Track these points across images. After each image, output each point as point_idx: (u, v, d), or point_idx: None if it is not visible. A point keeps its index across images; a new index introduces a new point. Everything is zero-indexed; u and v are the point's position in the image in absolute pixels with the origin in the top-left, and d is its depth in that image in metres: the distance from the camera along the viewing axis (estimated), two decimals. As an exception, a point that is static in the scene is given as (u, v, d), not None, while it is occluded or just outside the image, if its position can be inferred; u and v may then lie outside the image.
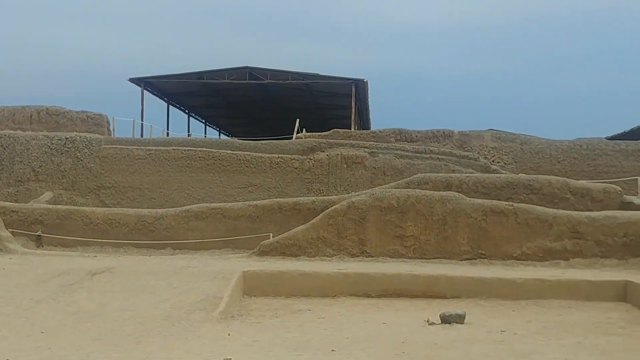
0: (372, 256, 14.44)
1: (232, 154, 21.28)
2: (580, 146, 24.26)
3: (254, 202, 17.04)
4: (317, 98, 44.24)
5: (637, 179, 22.07)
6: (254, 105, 48.44)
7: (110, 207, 19.56)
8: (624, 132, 30.81)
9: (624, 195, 16.67)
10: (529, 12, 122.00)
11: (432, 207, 14.55)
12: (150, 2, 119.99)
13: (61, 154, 21.31)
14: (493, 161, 23.54)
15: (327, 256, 14.38)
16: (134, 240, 16.48)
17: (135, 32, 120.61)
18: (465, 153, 22.71)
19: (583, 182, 17.25)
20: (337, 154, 21.57)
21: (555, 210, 14.47)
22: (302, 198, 17.21)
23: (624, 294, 11.19)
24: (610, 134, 31.50)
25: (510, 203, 14.71)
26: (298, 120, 29.73)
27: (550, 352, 7.10)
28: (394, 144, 23.04)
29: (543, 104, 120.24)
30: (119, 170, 21.11)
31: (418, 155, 21.86)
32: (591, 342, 7.77)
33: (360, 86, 38.25)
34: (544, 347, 7.42)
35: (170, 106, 44.92)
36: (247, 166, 21.13)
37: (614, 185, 16.82)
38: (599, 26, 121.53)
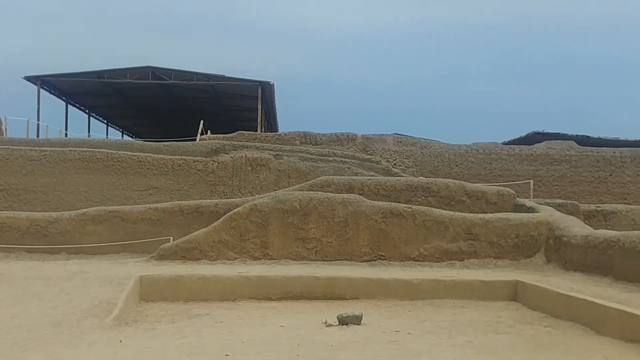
0: (275, 259, 14.44)
1: (133, 155, 20.77)
2: (477, 150, 25.12)
3: (155, 205, 16.69)
4: (223, 100, 43.89)
5: (529, 182, 23.09)
6: (158, 106, 47.52)
7: (1, 210, 18.66)
8: (519, 137, 32.12)
9: (517, 198, 17.38)
10: (435, 25, 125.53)
11: (334, 210, 14.71)
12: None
13: (-52, 154, 20.19)
14: (395, 164, 24.02)
15: (229, 259, 14.26)
16: (26, 245, 15.78)
17: (32, 29, 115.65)
18: (368, 156, 23.09)
19: (478, 185, 17.86)
20: (242, 156, 21.45)
21: (451, 213, 14.92)
22: (204, 201, 16.99)
23: (514, 293, 11.63)
24: (507, 139, 32.79)
25: (409, 205, 15.07)
26: (202, 121, 29.36)
27: (441, 352, 7.29)
28: (298, 147, 23.12)
29: (445, 113, 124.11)
30: (11, 172, 20.20)
31: (322, 158, 22.05)
32: (481, 341, 8.02)
33: (266, 88, 38.22)
34: (435, 346, 7.61)
35: (70, 106, 43.41)
36: (148, 168, 20.68)
37: (507, 188, 17.51)
38: (501, 39, 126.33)
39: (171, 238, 15.37)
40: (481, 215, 14.89)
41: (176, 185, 20.65)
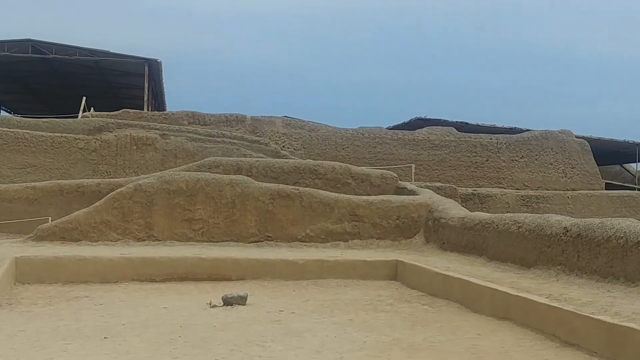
0: (160, 240, 14.22)
1: (9, 132, 19.79)
2: (363, 134, 25.71)
3: (32, 184, 16.02)
4: (108, 77, 42.44)
5: (411, 166, 23.91)
6: (38, 82, 45.31)
7: None
8: (403, 122, 33.12)
9: (399, 181, 17.97)
10: (324, 5, 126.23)
11: (222, 191, 14.64)
12: None
13: None
14: (283, 147, 24.19)
15: (112, 241, 13.91)
16: None
17: None
18: (257, 138, 23.13)
19: (363, 168, 18.32)
20: (127, 135, 20.92)
21: (337, 195, 15.23)
22: (85, 180, 16.48)
23: (395, 272, 12.06)
24: (392, 125, 33.73)
25: (297, 187, 15.25)
26: (85, 98, 28.31)
27: (322, 330, 7.48)
28: (186, 127, 22.81)
29: (335, 93, 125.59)
30: None
31: (210, 138, 21.88)
32: (361, 319, 8.29)
33: (153, 66, 37.30)
34: (317, 324, 7.80)
35: (-61, 78, 40.64)
36: (25, 145, 19.77)
37: (390, 172, 18.06)
38: (385, 20, 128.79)
39: (50, 218, 14.82)
40: (365, 197, 15.29)
41: (56, 164, 19.88)
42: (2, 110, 54.08)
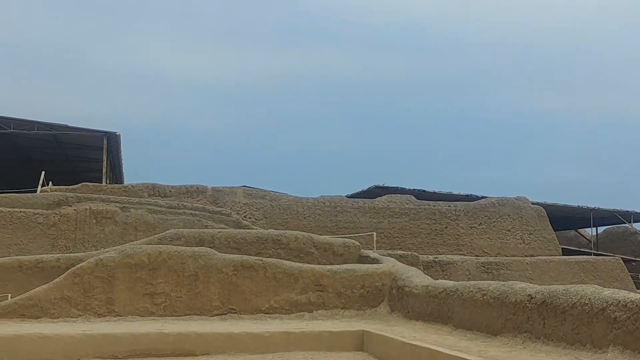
0: (121, 315, 13.99)
1: (-34, 207, 19.47)
2: (324, 203, 25.94)
3: (-10, 261, 15.66)
4: (67, 150, 42.13)
5: (373, 234, 24.11)
6: (-5, 156, 44.72)
7: None
8: (362, 190, 33.54)
9: (362, 249, 18.10)
10: (281, 73, 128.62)
11: (184, 263, 14.56)
12: None
13: None
14: (245, 217, 24.22)
15: (72, 317, 13.64)
16: None
17: None
18: (218, 209, 23.13)
19: (326, 237, 18.42)
20: (86, 209, 20.75)
21: (300, 265, 15.26)
22: (45, 255, 16.19)
23: (361, 343, 12.01)
24: (351, 192, 34.12)
25: (260, 258, 15.24)
26: (43, 172, 28.05)
27: (292, 402, 7.44)
28: (146, 199, 22.72)
29: (293, 160, 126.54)
30: None
31: (171, 210, 21.81)
32: (330, 390, 8.25)
33: (112, 139, 37.24)
34: (286, 397, 7.75)
35: None
36: (-17, 221, 19.43)
37: (352, 240, 18.20)
38: (342, 88, 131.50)
39: (9, 295, 14.47)
40: (329, 267, 15.34)
41: (14, 239, 19.53)
42: (-45, 185, 53.09)
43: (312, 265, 15.39)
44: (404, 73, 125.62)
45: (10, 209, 19.91)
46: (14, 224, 19.71)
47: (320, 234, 20.00)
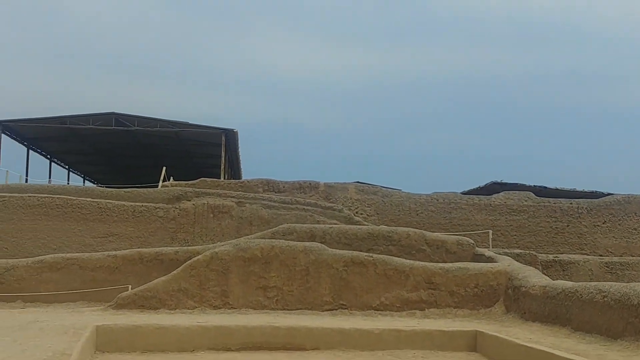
0: (235, 308, 14.29)
1: (93, 202, 20.56)
2: (437, 200, 25.42)
3: (113, 253, 16.46)
4: (187, 147, 43.84)
5: (488, 232, 23.40)
6: (121, 153, 47.23)
7: (-45, 257, 18.25)
8: (479, 187, 32.63)
9: (476, 248, 17.58)
10: (394, 72, 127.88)
11: (296, 258, 14.67)
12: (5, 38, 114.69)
13: None
14: (356, 213, 24.16)
15: (188, 308, 14.06)
16: (-20, 293, 15.40)
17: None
18: (330, 204, 23.21)
19: (438, 235, 18.04)
20: (204, 203, 21.38)
21: (412, 262, 15.01)
22: (164, 248, 16.83)
23: (474, 343, 11.66)
24: (467, 189, 33.28)
25: (370, 254, 15.12)
26: (164, 168, 29.25)
27: (400, 403, 7.27)
28: (261, 194, 23.15)
29: (406, 161, 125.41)
30: (-33, 218, 19.82)
31: (284, 205, 22.10)
32: (440, 391, 8.03)
33: (230, 136, 38.35)
34: (394, 397, 7.59)
35: (31, 151, 42.87)
36: (108, 215, 20.46)
37: (467, 238, 17.72)
38: (457, 87, 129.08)
39: (130, 286, 15.14)
40: (441, 265, 15.01)
41: (136, 233, 20.45)
42: (86, 181, 56.45)
43: (423, 263, 15.11)
44: (523, 69, 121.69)
45: (132, 203, 20.85)
46: (136, 218, 20.63)
47: (432, 231, 19.62)
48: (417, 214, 24.92)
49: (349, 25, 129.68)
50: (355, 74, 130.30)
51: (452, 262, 15.87)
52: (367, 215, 24.50)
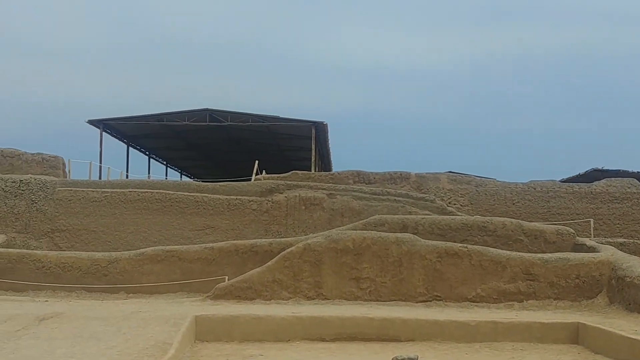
0: (328, 299, 14.37)
1: (190, 195, 21.15)
2: (534, 188, 24.66)
3: (210, 245, 16.88)
4: (278, 140, 44.43)
5: (589, 220, 22.51)
6: (215, 147, 48.42)
7: (64, 250, 19.19)
8: (579, 174, 31.45)
9: (577, 237, 16.95)
10: (483, 54, 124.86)
11: (388, 249, 14.59)
12: (104, 40, 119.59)
13: (15, 196, 20.95)
14: (449, 203, 23.77)
15: (283, 299, 14.26)
16: (87, 285, 16.14)
17: (92, 72, 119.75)
18: (422, 195, 22.94)
19: (536, 224, 17.51)
20: (296, 196, 21.59)
21: (508, 252, 14.63)
22: (259, 240, 17.12)
23: (576, 336, 11.28)
24: (563, 177, 32.14)
25: (465, 245, 14.84)
26: (257, 162, 29.75)
27: (499, 396, 7.11)
28: (352, 186, 23.15)
29: (498, 145, 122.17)
30: (73, 213, 20.78)
31: (375, 196, 22.01)
32: (540, 385, 7.79)
33: (320, 128, 38.55)
34: (493, 390, 7.43)
35: (131, 148, 44.59)
36: (204, 208, 21.00)
37: (566, 227, 17.12)
38: (556, 66, 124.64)
39: (226, 277, 15.50)
40: (540, 255, 14.56)
41: (231, 225, 20.89)
42: (183, 176, 58.23)
43: (521, 254, 14.70)
44: (621, 47, 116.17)
45: (227, 197, 21.31)
46: (231, 211, 21.07)
47: (530, 221, 19.07)
48: (514, 204, 24.26)
49: (438, 8, 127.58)
50: (445, 58, 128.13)
51: (551, 252, 15.37)
52: (461, 205, 24.07)
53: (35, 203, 20.92)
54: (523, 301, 14.03)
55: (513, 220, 17.14)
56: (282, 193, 21.81)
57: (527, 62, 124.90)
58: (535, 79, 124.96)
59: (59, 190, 21.10)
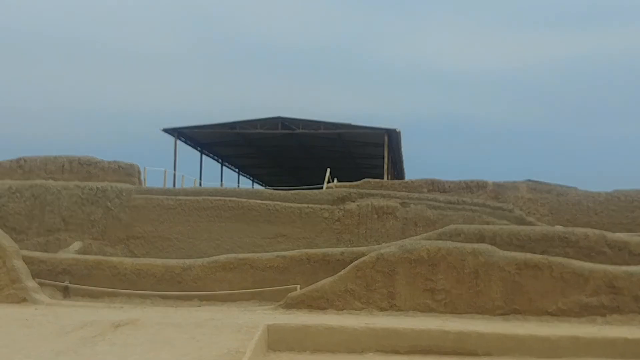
0: (402, 310, 14.07)
1: (262, 203, 21.19)
2: (619, 198, 23.62)
3: (282, 253, 16.84)
4: (350, 147, 44.33)
5: (678, 231, 21.38)
6: (286, 155, 48.77)
7: (139, 257, 19.53)
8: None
9: (665, 249, 16.08)
10: (564, 59, 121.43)
11: (464, 260, 14.18)
12: (180, 49, 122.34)
13: (92, 203, 21.45)
14: (528, 213, 23.02)
15: (356, 310, 14.04)
16: (162, 291, 16.35)
17: (166, 82, 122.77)
18: (500, 204, 22.29)
19: (620, 235, 16.71)
20: (368, 204, 21.34)
21: (591, 265, 14.00)
22: (330, 249, 16.98)
23: (664, 353, 10.66)
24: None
25: (545, 256, 14.28)
26: (329, 169, 29.69)
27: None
28: (425, 195, 22.73)
29: (581, 157, 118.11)
30: (148, 220, 21.13)
31: (450, 206, 21.53)
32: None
33: (393, 136, 38.25)
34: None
35: (204, 156, 45.39)
36: (276, 216, 21.00)
37: (653, 239, 16.25)
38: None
39: (298, 286, 15.41)
40: (624, 268, 13.87)
41: (303, 233, 20.81)
42: (255, 183, 58.87)
43: (604, 266, 14.03)
44: None
45: (299, 205, 21.25)
46: (303, 219, 21.00)
47: (614, 232, 18.21)
48: (596, 214, 23.30)
49: (520, 11, 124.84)
50: (521, 60, 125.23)
51: (636, 264, 14.62)
52: (541, 215, 23.28)
53: (112, 210, 21.38)
54: (606, 315, 13.38)
55: (596, 231, 16.41)
56: (354, 201, 21.61)
57: (619, 65, 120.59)
58: (629, 82, 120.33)
59: (134, 197, 21.52)
